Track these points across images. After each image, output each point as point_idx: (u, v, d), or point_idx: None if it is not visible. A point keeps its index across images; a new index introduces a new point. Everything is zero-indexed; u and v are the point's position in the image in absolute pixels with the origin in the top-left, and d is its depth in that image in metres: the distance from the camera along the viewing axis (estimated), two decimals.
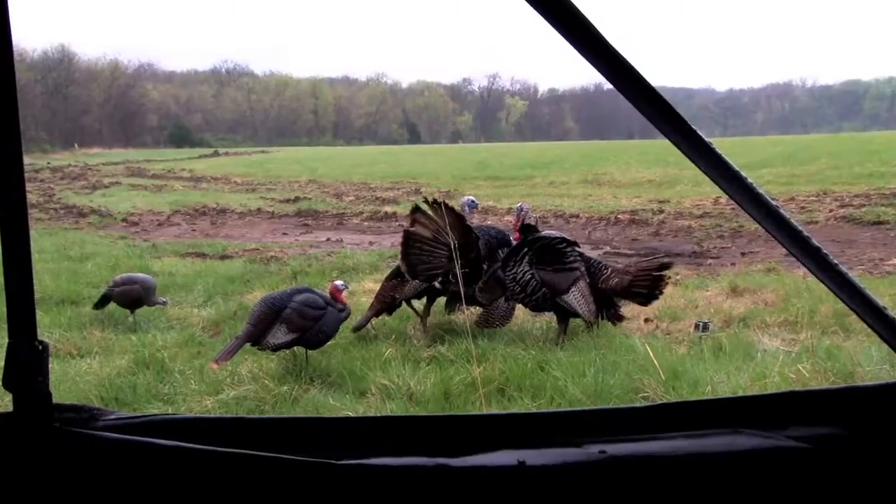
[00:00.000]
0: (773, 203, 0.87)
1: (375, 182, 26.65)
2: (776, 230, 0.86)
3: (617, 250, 11.16)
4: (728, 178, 0.86)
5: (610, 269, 5.87)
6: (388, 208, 17.78)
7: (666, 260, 5.90)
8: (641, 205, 16.81)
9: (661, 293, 5.81)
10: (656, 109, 0.85)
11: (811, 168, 22.99)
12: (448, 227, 5.82)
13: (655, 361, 4.62)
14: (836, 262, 0.86)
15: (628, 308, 6.35)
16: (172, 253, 11.28)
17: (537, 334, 6.00)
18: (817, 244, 0.85)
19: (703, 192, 18.00)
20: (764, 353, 5.20)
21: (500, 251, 6.17)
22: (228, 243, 12.45)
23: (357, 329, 6.09)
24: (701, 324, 5.89)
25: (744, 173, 0.86)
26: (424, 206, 6.02)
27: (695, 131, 0.86)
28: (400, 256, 6.12)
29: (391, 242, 12.41)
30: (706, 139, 0.86)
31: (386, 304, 6.30)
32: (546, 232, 6.24)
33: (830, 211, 14.23)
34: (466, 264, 5.85)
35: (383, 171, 30.88)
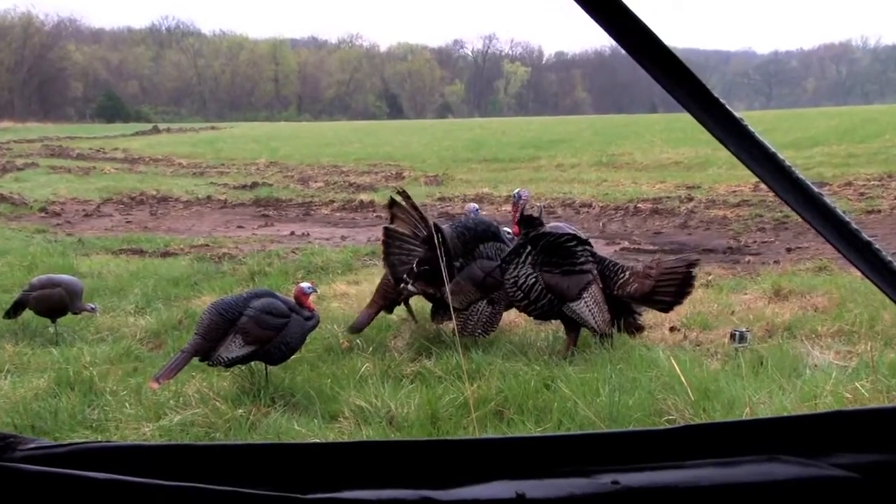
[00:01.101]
0: (815, 189, 0.89)
1: (349, 165, 26.66)
2: (819, 222, 0.88)
3: (637, 246, 11.22)
4: (761, 160, 0.88)
5: (628, 273, 5.88)
6: (364, 196, 17.82)
7: (695, 257, 5.94)
8: (666, 191, 16.91)
9: (688, 295, 5.85)
10: (673, 76, 0.87)
11: (873, 146, 23.13)
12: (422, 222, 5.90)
13: (683, 378, 4.65)
14: (890, 259, 0.88)
15: (651, 314, 6.40)
16: (103, 249, 11.25)
17: (542, 346, 6.03)
18: (867, 238, 0.87)
19: (740, 175, 18.10)
20: (814, 369, 5.24)
21: (480, 246, 6.21)
22: (172, 238, 12.43)
23: (356, 330, 6.20)
24: (737, 333, 5.93)
25: (781, 154, 0.88)
26: (399, 199, 6.07)
27: (720, 104, 0.88)
28: (382, 257, 6.15)
29: (367, 237, 12.44)
30: (735, 113, 0.88)
31: (390, 300, 6.43)
32: (553, 225, 6.27)
33: None
34: (426, 262, 5.89)
35: (358, 152, 30.87)
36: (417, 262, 6.01)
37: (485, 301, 6.18)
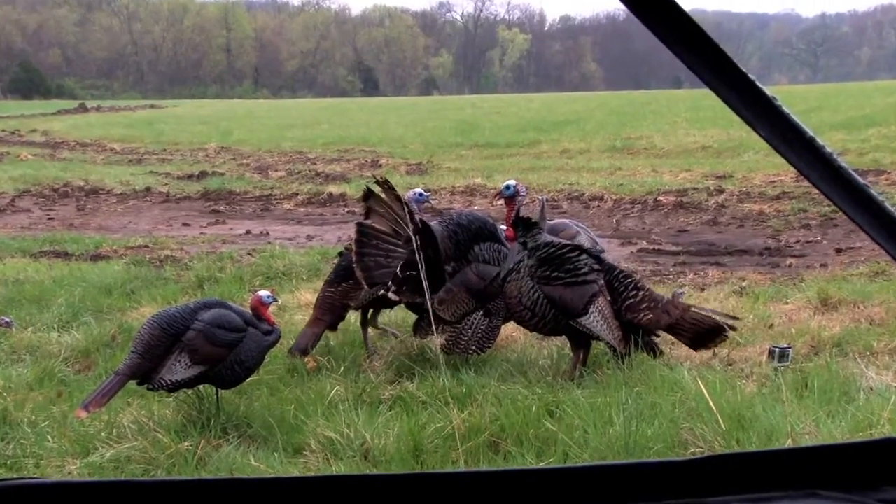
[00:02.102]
0: (861, 181, 0.90)
1: (315, 150, 26.66)
2: (865, 219, 0.90)
3: (657, 246, 11.28)
4: (797, 147, 0.89)
5: (641, 294, 5.86)
6: (334, 188, 17.83)
7: (733, 322, 5.85)
8: (692, 181, 16.99)
9: (705, 349, 5.89)
10: (691, 46, 0.88)
11: None
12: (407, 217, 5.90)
13: (712, 403, 4.68)
14: None
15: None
16: (19, 252, 11.21)
17: (544, 365, 6.05)
18: None
19: (780, 163, 18.17)
20: (869, 393, 5.28)
21: (475, 247, 6.23)
22: (103, 238, 12.40)
23: (301, 352, 6.18)
24: (777, 350, 5.97)
25: (820, 139, 0.90)
26: (378, 190, 6.07)
27: (749, 79, 0.89)
28: (354, 259, 6.15)
29: (338, 236, 12.44)
30: (766, 91, 0.90)
31: (337, 315, 6.44)
32: (558, 222, 6.25)
33: None
34: (412, 266, 5.92)
35: (326, 135, 30.87)
36: (402, 265, 6.02)
37: (480, 312, 6.19)
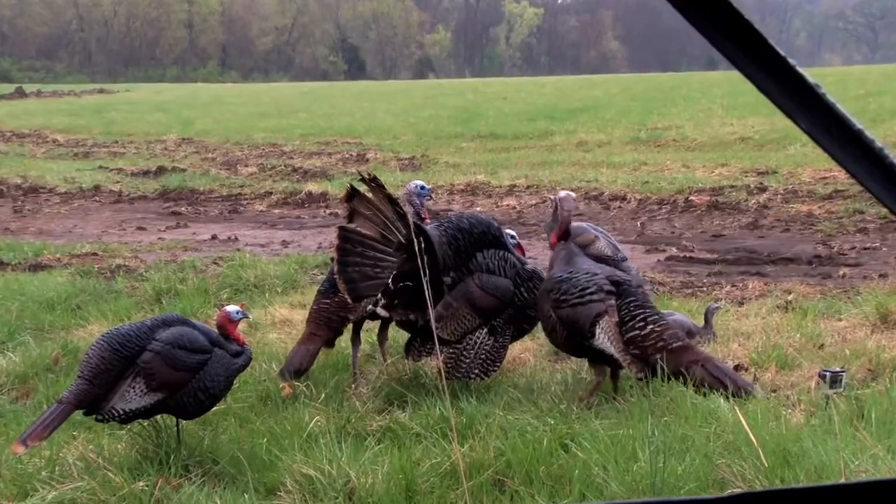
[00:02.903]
0: None
1: (292, 143, 26.70)
2: None
3: (688, 254, 11.31)
4: (842, 141, 0.91)
5: (649, 330, 5.90)
6: (314, 186, 17.87)
7: (751, 387, 5.87)
8: (730, 178, 17.03)
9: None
10: (719, 23, 0.89)
11: None
12: (399, 218, 5.93)
13: (752, 436, 4.69)
14: None
15: (707, 351, 6.43)
16: None
17: (557, 390, 6.07)
18: None
19: None
20: None
21: (478, 254, 6.25)
22: (44, 244, 12.40)
23: (295, 373, 6.25)
24: (829, 374, 5.97)
25: (869, 133, 0.91)
26: (364, 188, 6.09)
27: (787, 63, 0.91)
28: (335, 268, 6.17)
29: (318, 242, 12.48)
30: (807, 77, 0.91)
31: (335, 329, 6.53)
32: (575, 226, 6.26)
33: None
34: (406, 277, 5.94)
35: (305, 125, 30.92)
36: (394, 276, 6.03)
37: (485, 330, 6.22)
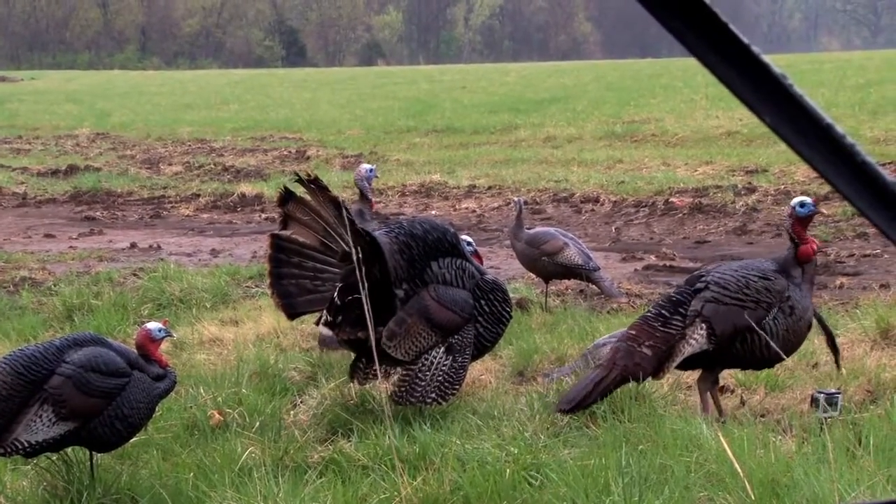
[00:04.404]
0: (889, 178, 0.95)
1: (223, 138, 26.57)
2: (892, 225, 0.94)
3: (668, 262, 11.41)
4: (811, 136, 0.94)
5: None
6: (248, 187, 17.83)
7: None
8: (715, 178, 17.14)
9: None
10: (675, 7, 0.92)
11: None
12: (341, 224, 5.93)
13: (738, 466, 4.74)
14: None
15: (689, 371, 6.52)
16: None
17: (522, 415, 6.10)
18: None
19: None
20: None
21: (433, 264, 6.27)
22: None
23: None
24: (823, 396, 6.04)
25: (840, 127, 0.94)
26: (301, 190, 6.08)
27: (750, 52, 0.93)
28: (268, 282, 6.16)
29: (252, 250, 12.42)
30: (773, 66, 0.94)
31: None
32: (541, 230, 6.34)
33: None
34: (355, 288, 5.95)
35: (237, 118, 30.80)
36: (340, 290, 6.03)
37: (442, 348, 6.25)
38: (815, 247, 6.35)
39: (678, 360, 6.01)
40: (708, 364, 6.12)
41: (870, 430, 5.52)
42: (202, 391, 6.46)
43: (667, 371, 6.09)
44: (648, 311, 6.25)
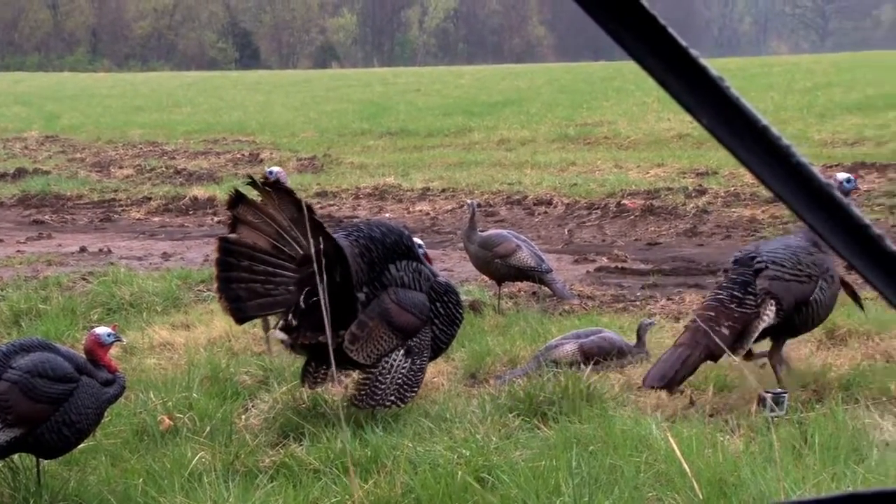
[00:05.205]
0: (823, 180, 0.95)
1: (175, 141, 26.43)
2: (825, 225, 0.95)
3: (620, 264, 11.46)
4: (747, 138, 0.94)
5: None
6: (200, 191, 17.76)
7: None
8: (666, 180, 17.25)
9: None
10: (614, 11, 0.91)
11: None
12: (297, 226, 5.90)
13: (686, 466, 4.77)
14: None
15: (640, 371, 6.54)
16: None
17: (474, 417, 6.12)
18: (894, 249, 0.94)
19: None
20: (884, 448, 5.43)
21: (391, 267, 6.27)
22: None
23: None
24: (770, 396, 6.09)
25: (775, 129, 0.94)
26: (254, 193, 6.05)
27: (688, 54, 0.93)
28: (216, 286, 6.13)
29: (204, 254, 12.35)
30: (710, 68, 0.94)
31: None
32: (495, 233, 6.36)
33: None
34: (312, 293, 5.95)
35: (190, 121, 30.64)
36: (306, 294, 5.99)
37: (401, 351, 6.26)
38: None
39: (755, 335, 6.39)
40: (772, 337, 6.57)
41: (815, 429, 5.59)
42: (152, 396, 6.43)
43: (744, 347, 6.42)
44: (719, 293, 6.56)
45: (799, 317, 6.47)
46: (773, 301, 6.36)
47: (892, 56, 45.52)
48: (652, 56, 0.93)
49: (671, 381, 6.16)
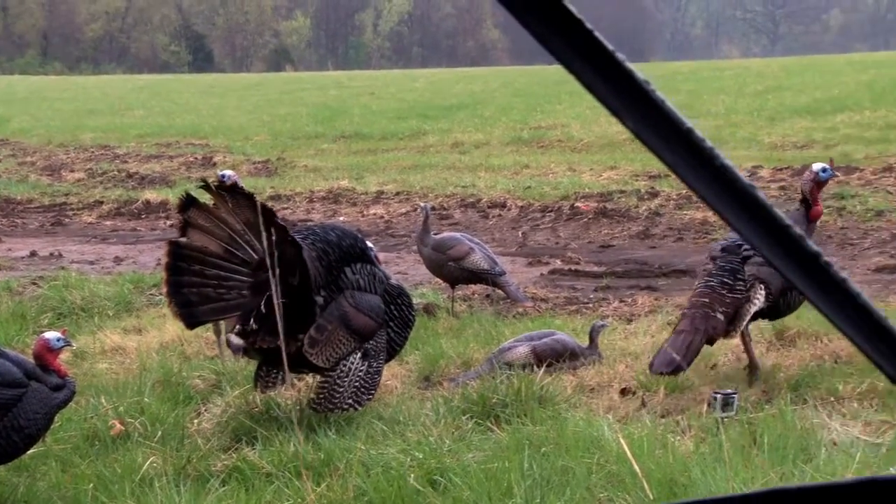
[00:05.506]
0: (746, 181, 0.97)
1: (127, 145, 26.24)
2: (749, 227, 0.96)
3: (573, 266, 11.51)
4: (672, 141, 0.96)
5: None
6: (152, 194, 17.68)
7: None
8: (619, 182, 17.33)
9: None
10: (541, 14, 0.93)
11: None
12: (254, 229, 5.87)
13: (637, 466, 4.81)
14: (844, 277, 0.97)
15: (592, 373, 6.58)
16: None
17: (427, 420, 6.14)
18: (814, 249, 0.96)
19: (736, 156, 18.69)
20: (832, 448, 5.49)
21: (346, 269, 6.28)
22: None
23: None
24: (720, 397, 6.14)
25: (699, 132, 0.96)
26: (207, 196, 6.03)
27: (613, 57, 0.95)
28: (165, 290, 6.11)
29: (157, 258, 12.27)
30: (636, 72, 0.96)
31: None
32: (448, 236, 6.40)
33: None
34: (282, 294, 5.93)
35: (142, 124, 30.45)
36: (268, 298, 5.96)
37: (358, 354, 6.27)
38: (822, 209, 7.31)
39: (746, 319, 6.65)
40: (761, 319, 6.99)
41: (764, 429, 5.64)
42: (103, 401, 6.39)
43: (737, 331, 6.68)
44: (710, 281, 6.77)
45: (784, 300, 6.78)
46: (762, 286, 6.68)
47: (840, 60, 45.97)
48: (579, 60, 0.94)
49: (678, 366, 6.36)
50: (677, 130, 0.95)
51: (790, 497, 1.06)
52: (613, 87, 0.95)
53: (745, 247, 6.74)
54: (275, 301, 5.63)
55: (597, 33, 0.94)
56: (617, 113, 0.96)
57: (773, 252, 0.95)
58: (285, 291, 5.86)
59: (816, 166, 7.24)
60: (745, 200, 0.95)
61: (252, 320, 6.00)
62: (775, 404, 6.20)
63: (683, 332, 6.51)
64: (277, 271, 5.81)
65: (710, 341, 6.59)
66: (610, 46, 0.95)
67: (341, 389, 6.20)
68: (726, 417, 5.93)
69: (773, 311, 6.86)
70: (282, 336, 5.65)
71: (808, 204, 7.03)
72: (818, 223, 7.47)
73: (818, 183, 7.08)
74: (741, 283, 6.69)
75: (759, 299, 6.67)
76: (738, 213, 0.95)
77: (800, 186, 7.34)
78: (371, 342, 6.30)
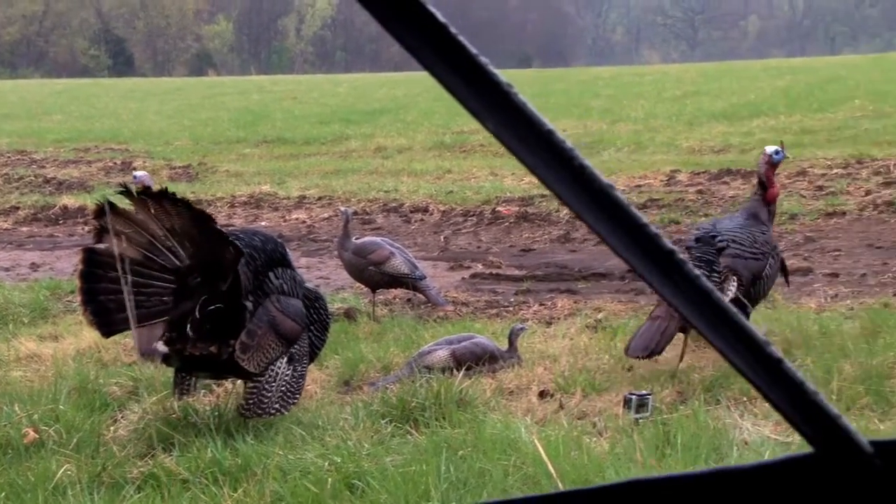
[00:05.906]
0: (605, 182, 1.00)
1: (44, 149, 25.92)
2: (606, 227, 1.00)
3: (494, 270, 11.57)
4: (532, 142, 0.98)
5: None
6: (70, 200, 17.54)
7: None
8: (540, 187, 17.09)
9: None
10: (405, 18, 0.95)
11: (837, 116, 24.60)
12: (178, 235, 5.85)
13: (552, 468, 4.86)
14: (697, 274, 1.01)
15: (511, 376, 6.63)
16: None
17: (346, 424, 6.14)
18: (669, 246, 1.00)
19: (649, 162, 18.95)
20: (744, 447, 5.58)
21: (272, 274, 6.28)
22: None
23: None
24: (634, 398, 6.22)
25: (560, 134, 0.99)
26: (128, 203, 5.98)
27: (474, 59, 0.97)
28: (80, 298, 6.06)
29: (75, 264, 12.13)
30: (497, 74, 0.98)
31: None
32: (369, 240, 6.43)
33: (868, 193, 15.30)
34: (214, 299, 5.91)
35: (60, 129, 30.10)
36: (203, 302, 5.92)
37: (285, 358, 6.27)
38: (778, 189, 7.84)
39: None
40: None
41: (678, 429, 5.72)
42: (17, 409, 6.30)
43: None
44: None
45: (754, 290, 7.22)
46: (734, 277, 7.13)
47: (757, 66, 46.62)
48: (440, 63, 0.97)
49: (653, 351, 6.69)
50: (538, 132, 0.98)
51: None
52: (475, 90, 0.97)
53: (720, 238, 7.20)
54: (198, 308, 5.61)
55: (460, 37, 0.96)
56: (477, 115, 0.98)
57: (628, 250, 0.99)
58: (215, 297, 5.86)
59: (770, 149, 7.68)
60: (602, 200, 0.98)
61: (188, 327, 5.97)
62: (689, 405, 6.28)
63: (659, 318, 6.78)
64: (207, 277, 5.83)
65: (683, 329, 6.79)
66: (474, 50, 0.97)
67: (269, 394, 6.19)
68: (641, 418, 6.02)
69: (740, 301, 7.09)
70: (189, 339, 5.66)
71: (764, 186, 7.51)
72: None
73: (772, 164, 7.56)
74: (716, 274, 7.04)
75: (731, 290, 7.04)
76: (597, 213, 0.98)
77: (756, 170, 7.84)
78: (296, 346, 6.30)
